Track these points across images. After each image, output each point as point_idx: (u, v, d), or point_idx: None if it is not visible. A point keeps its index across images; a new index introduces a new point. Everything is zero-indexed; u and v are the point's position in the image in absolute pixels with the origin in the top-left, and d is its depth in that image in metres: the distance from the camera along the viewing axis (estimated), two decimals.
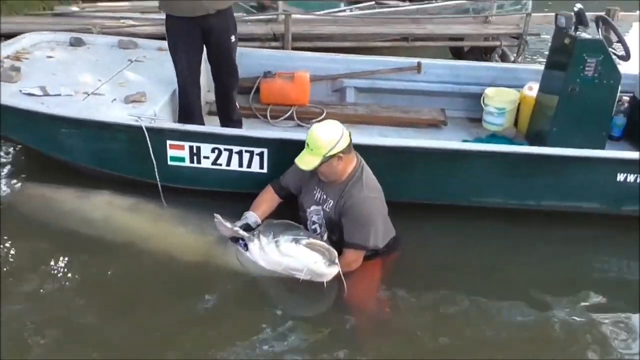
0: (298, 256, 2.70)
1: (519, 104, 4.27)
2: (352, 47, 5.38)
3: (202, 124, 3.81)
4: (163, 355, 2.48)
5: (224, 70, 3.81)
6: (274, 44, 5.29)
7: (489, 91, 4.34)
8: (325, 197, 2.94)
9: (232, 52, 3.74)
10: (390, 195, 3.35)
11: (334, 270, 2.70)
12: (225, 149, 3.29)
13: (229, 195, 3.36)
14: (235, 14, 3.80)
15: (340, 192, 2.87)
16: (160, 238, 3.08)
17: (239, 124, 4.05)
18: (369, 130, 4.27)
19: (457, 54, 6.83)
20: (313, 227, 3.02)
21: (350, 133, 2.88)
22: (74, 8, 5.95)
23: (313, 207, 2.99)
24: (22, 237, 3.25)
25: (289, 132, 3.83)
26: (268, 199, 3.15)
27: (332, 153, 2.75)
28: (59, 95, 3.64)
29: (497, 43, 6.47)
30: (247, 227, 2.97)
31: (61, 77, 3.93)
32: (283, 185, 3.13)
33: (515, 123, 4.31)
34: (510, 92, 4.32)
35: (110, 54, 4.50)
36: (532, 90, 4.15)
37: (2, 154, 4.27)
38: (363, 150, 3.14)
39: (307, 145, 2.81)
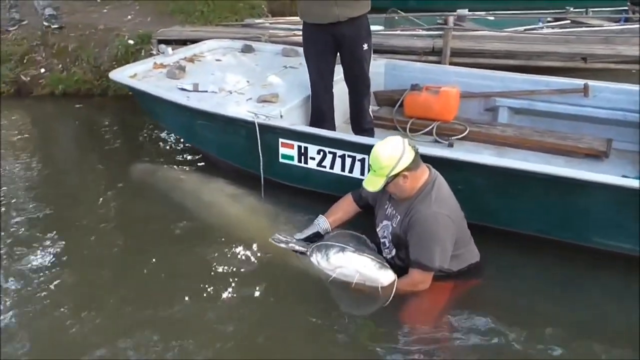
0: (347, 264, 2.61)
1: None
2: (517, 65, 4.91)
3: (333, 129, 3.83)
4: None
5: (356, 79, 3.78)
6: (431, 58, 5.08)
7: None
8: (394, 212, 2.74)
9: (363, 61, 3.69)
10: (495, 221, 3.10)
11: (387, 274, 2.58)
12: (329, 152, 3.24)
13: (329, 197, 3.31)
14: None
15: (408, 207, 2.64)
16: (249, 227, 3.20)
17: (370, 133, 3.98)
18: (512, 154, 3.85)
19: None
20: (382, 242, 2.83)
21: (416, 148, 2.66)
22: (260, 20, 6.46)
23: (384, 222, 2.80)
24: (150, 205, 3.69)
25: None
26: (345, 207, 3.05)
27: (395, 172, 2.57)
28: (206, 91, 3.97)
29: None
30: (317, 234, 2.94)
31: (217, 77, 4.29)
32: (362, 195, 3.00)
33: None
34: None
35: (272, 61, 4.78)
36: None
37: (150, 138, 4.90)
38: (465, 167, 2.87)
39: (370, 166, 2.66)
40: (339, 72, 3.83)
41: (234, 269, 2.97)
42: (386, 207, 2.81)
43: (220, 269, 2.98)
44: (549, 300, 2.79)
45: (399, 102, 4.39)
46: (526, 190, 2.94)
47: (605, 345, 2.51)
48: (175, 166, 4.24)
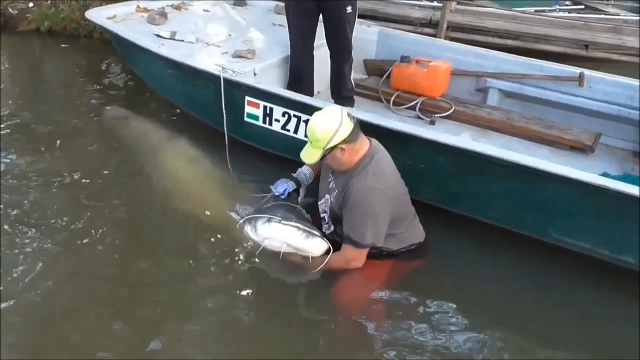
0: (273, 235, 2.45)
1: None
2: (516, 47, 4.65)
3: (311, 93, 3.64)
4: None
5: (337, 42, 3.58)
6: (427, 30, 4.83)
7: None
8: (334, 185, 2.57)
9: (346, 24, 3.48)
10: (454, 205, 2.97)
11: (316, 243, 2.44)
12: (294, 115, 3.06)
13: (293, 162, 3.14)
14: None
15: (345, 181, 2.47)
16: (200, 194, 3.05)
17: (349, 101, 3.80)
18: (495, 138, 3.66)
19: None
20: (322, 217, 2.67)
21: (355, 119, 2.47)
22: None
23: (325, 197, 2.63)
24: (112, 153, 3.58)
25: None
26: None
27: (331, 145, 2.39)
28: (182, 41, 3.78)
29: None
30: (297, 183, 2.80)
31: (198, 27, 4.09)
32: None
33: None
34: None
35: (262, 16, 4.56)
36: None
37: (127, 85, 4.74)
38: (433, 147, 2.71)
39: (307, 137, 2.49)
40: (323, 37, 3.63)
41: (173, 244, 2.80)
42: (329, 180, 2.63)
43: (153, 239, 2.85)
44: (494, 288, 2.67)
45: (387, 73, 4.19)
46: (487, 175, 2.76)
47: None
48: (147, 117, 4.04)
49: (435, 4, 5.23)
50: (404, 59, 4.12)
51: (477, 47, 4.22)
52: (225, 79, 3.12)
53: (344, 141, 2.39)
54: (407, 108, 3.97)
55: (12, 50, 5.43)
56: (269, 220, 2.45)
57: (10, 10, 5.77)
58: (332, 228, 2.61)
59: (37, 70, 5.20)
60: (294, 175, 2.83)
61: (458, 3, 5.17)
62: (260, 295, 2.50)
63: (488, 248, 2.90)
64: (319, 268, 2.44)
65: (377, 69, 4.36)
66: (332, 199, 2.55)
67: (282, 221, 2.42)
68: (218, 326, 2.33)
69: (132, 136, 3.71)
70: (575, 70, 3.80)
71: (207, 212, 2.87)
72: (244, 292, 2.49)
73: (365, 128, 2.56)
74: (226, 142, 3.24)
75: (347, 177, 2.47)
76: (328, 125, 2.39)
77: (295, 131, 3.11)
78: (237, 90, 3.19)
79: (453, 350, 2.27)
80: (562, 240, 2.74)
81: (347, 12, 3.44)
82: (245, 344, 2.26)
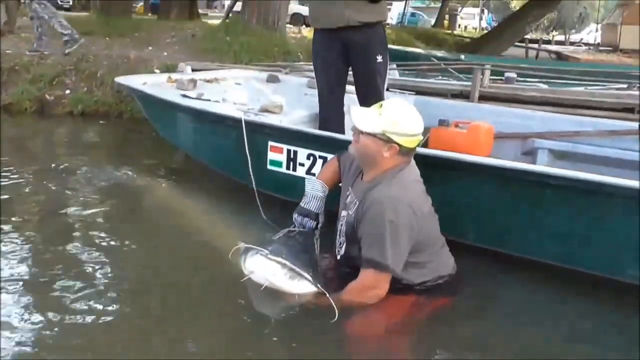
0: (256, 269, 2.09)
1: None
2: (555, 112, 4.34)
3: None
4: None
5: (367, 93, 3.33)
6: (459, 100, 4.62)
7: None
8: (354, 198, 2.21)
9: (376, 74, 3.25)
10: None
11: (301, 284, 2.05)
12: (319, 156, 2.77)
13: None
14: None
15: (367, 190, 2.12)
16: None
17: None
18: None
19: None
20: (338, 238, 2.30)
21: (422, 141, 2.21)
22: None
23: (342, 213, 2.27)
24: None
25: None
26: (332, 169, 2.53)
27: (393, 137, 2.08)
28: (209, 100, 3.63)
29: None
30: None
31: (228, 94, 3.96)
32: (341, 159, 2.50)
33: None
34: None
35: (293, 90, 4.44)
36: None
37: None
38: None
39: (381, 105, 2.17)
40: None
41: None
42: (348, 194, 2.28)
43: None
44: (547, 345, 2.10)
45: (424, 139, 3.92)
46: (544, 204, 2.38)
47: None
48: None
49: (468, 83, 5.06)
50: (442, 122, 3.86)
51: (519, 108, 3.95)
52: (247, 122, 2.89)
53: (401, 146, 2.11)
54: None
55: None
56: (257, 252, 2.11)
57: (48, 96, 5.94)
58: (343, 250, 2.24)
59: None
60: (308, 195, 2.44)
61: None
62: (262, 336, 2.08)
63: (544, 291, 2.42)
64: (330, 305, 1.98)
65: None
66: (351, 212, 2.18)
67: (268, 255, 2.07)
68: None
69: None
70: (634, 123, 3.45)
71: None
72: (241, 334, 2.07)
73: None
74: (254, 189, 2.95)
75: (369, 187, 2.12)
76: (413, 123, 2.13)
77: None
78: (260, 136, 2.95)
79: None
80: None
81: (378, 61, 3.23)
82: None
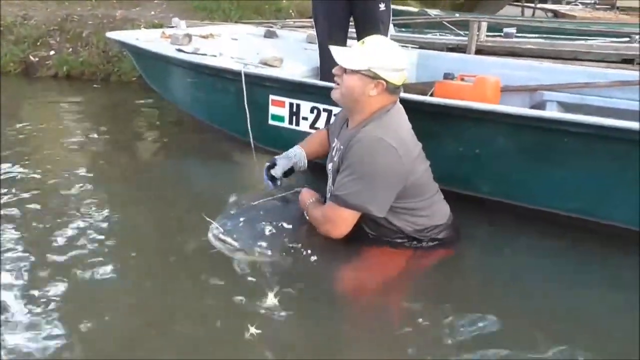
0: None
1: None
2: None
3: None
4: None
5: None
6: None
7: None
8: (339, 145, 2.12)
9: (379, 22, 3.13)
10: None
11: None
12: (324, 110, 2.64)
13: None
14: None
15: (352, 135, 2.03)
16: None
17: None
18: None
19: None
20: (328, 192, 2.24)
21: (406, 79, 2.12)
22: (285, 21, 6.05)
23: (329, 166, 2.21)
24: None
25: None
26: (319, 139, 2.46)
27: (379, 73, 1.98)
28: (205, 55, 3.47)
29: None
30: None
31: (224, 47, 3.80)
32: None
33: None
34: None
35: (292, 44, 4.28)
36: None
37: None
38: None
39: (363, 42, 2.05)
40: None
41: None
42: (333, 145, 2.20)
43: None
44: (556, 299, 2.01)
45: (429, 93, 3.79)
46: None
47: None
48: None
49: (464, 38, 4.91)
50: (447, 76, 3.73)
51: (526, 60, 3.81)
52: (247, 74, 2.75)
53: (388, 83, 1.98)
54: None
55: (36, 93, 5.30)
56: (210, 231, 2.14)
57: (32, 57, 5.73)
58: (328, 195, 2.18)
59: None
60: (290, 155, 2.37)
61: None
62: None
63: (557, 245, 2.33)
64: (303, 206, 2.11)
65: (417, 92, 3.95)
66: (336, 159, 2.11)
67: (219, 235, 2.10)
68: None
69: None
70: None
71: None
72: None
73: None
74: (252, 145, 2.82)
75: (354, 132, 2.03)
76: (398, 56, 2.01)
77: None
78: (260, 89, 2.81)
79: None
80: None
81: (380, 9, 3.11)
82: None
